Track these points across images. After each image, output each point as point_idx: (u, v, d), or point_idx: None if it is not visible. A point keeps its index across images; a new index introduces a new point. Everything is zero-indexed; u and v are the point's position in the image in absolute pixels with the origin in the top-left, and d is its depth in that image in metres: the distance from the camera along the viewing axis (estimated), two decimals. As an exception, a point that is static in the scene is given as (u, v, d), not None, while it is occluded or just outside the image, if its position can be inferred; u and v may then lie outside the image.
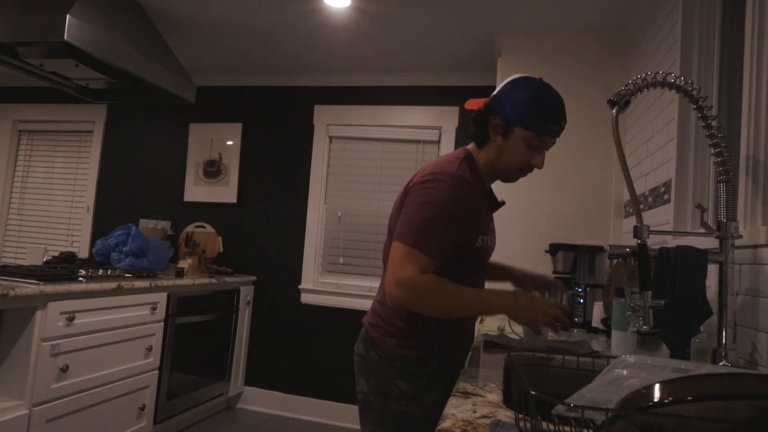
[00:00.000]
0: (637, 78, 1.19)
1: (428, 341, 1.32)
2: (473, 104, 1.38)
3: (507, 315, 1.23)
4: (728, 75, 1.72)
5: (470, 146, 1.39)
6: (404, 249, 1.19)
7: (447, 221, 1.21)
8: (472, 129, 1.37)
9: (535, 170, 1.37)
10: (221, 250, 3.85)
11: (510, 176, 1.36)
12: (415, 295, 1.17)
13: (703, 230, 1.25)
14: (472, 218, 1.28)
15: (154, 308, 2.74)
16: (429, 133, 3.61)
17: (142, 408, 2.68)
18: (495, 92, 1.34)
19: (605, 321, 1.91)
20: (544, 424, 0.69)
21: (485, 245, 1.34)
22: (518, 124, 1.27)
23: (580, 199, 2.70)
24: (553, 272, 2.36)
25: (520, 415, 0.73)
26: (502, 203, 1.44)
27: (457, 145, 3.46)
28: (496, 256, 2.74)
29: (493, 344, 1.47)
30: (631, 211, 2.48)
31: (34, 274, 2.22)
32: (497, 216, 2.79)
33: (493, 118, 1.30)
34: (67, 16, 2.16)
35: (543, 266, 2.70)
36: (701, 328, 1.24)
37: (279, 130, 3.90)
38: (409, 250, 1.19)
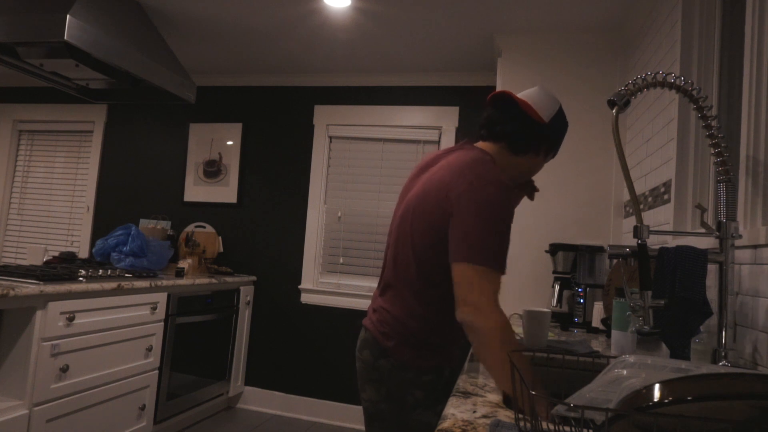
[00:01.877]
0: (637, 78, 1.19)
1: (442, 350, 1.30)
2: (530, 108, 1.29)
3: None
4: (728, 75, 1.72)
5: (490, 147, 1.33)
6: (485, 271, 1.11)
7: (507, 234, 1.17)
8: (518, 133, 1.30)
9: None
10: (221, 250, 3.85)
11: (518, 184, 1.42)
12: (502, 326, 1.09)
13: (703, 230, 1.25)
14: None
15: (154, 308, 2.74)
16: (429, 133, 3.61)
17: (142, 408, 2.68)
18: (551, 111, 1.30)
19: (605, 321, 1.91)
20: (545, 424, 0.69)
21: None
22: (554, 148, 1.36)
23: (580, 199, 2.70)
24: (553, 272, 2.36)
25: (520, 415, 0.73)
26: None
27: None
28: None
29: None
30: (631, 211, 2.48)
31: (34, 274, 2.21)
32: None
33: (549, 138, 1.33)
34: (67, 16, 2.16)
35: (543, 266, 2.70)
36: (701, 328, 1.24)
37: (279, 130, 3.90)
38: (490, 272, 1.12)
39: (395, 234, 1.34)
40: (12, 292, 1.93)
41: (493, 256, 1.12)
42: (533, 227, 2.73)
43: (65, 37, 2.15)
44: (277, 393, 3.66)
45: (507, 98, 1.31)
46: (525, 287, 2.71)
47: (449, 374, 1.31)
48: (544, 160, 1.37)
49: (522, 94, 1.33)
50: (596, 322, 2.00)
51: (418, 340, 1.27)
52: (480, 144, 1.35)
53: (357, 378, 1.38)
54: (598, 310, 2.01)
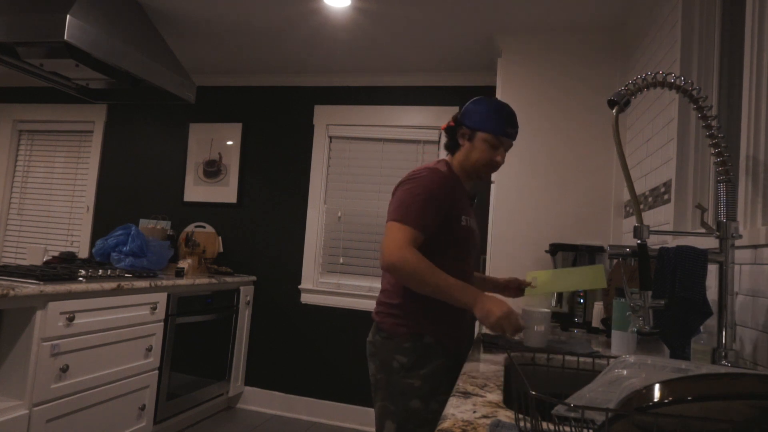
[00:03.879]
0: (637, 78, 1.19)
1: (421, 318, 1.51)
2: (445, 126, 1.68)
3: (474, 313, 1.41)
4: (728, 75, 1.72)
5: (447, 157, 1.70)
6: (394, 224, 1.45)
7: (428, 199, 1.47)
8: (445, 141, 1.69)
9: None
10: (221, 250, 3.85)
11: (480, 173, 1.64)
12: (404, 257, 1.39)
13: (703, 230, 1.25)
14: (452, 200, 1.54)
15: (154, 308, 2.74)
16: (429, 133, 3.61)
17: (142, 408, 2.68)
18: (461, 111, 1.65)
19: (605, 321, 1.91)
20: (544, 424, 0.69)
21: (469, 225, 1.60)
22: (479, 129, 1.60)
23: (580, 199, 2.70)
24: (553, 272, 2.36)
25: (520, 415, 0.73)
26: (475, 196, 1.72)
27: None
28: (499, 257, 2.75)
29: (493, 344, 1.47)
30: (631, 211, 2.48)
31: (34, 274, 2.21)
32: (498, 216, 2.79)
33: (460, 128, 1.63)
34: (67, 16, 2.16)
35: (543, 266, 2.70)
36: (701, 328, 1.24)
37: (279, 130, 3.90)
38: (398, 225, 1.44)
39: None
40: (12, 292, 1.93)
41: (405, 214, 1.45)
42: (533, 227, 2.73)
43: (65, 37, 2.15)
44: (277, 393, 3.66)
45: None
46: (525, 287, 2.70)
47: (430, 340, 1.51)
48: (479, 142, 1.59)
49: None
50: (596, 322, 2.00)
51: (397, 311, 1.53)
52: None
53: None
54: (598, 310, 2.01)
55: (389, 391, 1.49)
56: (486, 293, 1.45)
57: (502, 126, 1.59)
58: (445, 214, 1.51)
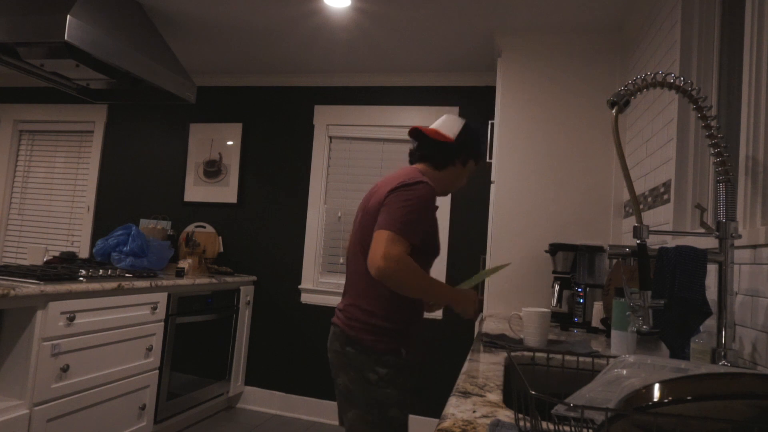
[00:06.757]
0: (636, 78, 1.19)
1: (397, 334, 1.57)
2: (435, 134, 1.67)
3: (450, 304, 1.57)
4: (728, 75, 1.72)
5: (420, 167, 1.70)
6: (392, 234, 1.45)
7: (423, 215, 1.51)
8: (433, 154, 1.68)
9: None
10: (221, 250, 3.85)
11: (450, 192, 1.77)
12: (400, 268, 1.42)
13: (702, 230, 1.25)
14: (435, 220, 1.61)
15: (155, 308, 2.74)
16: (429, 133, 3.61)
17: (143, 408, 2.68)
18: (456, 130, 1.69)
19: (605, 321, 1.91)
20: (544, 424, 0.69)
21: (438, 239, 1.71)
22: (473, 157, 1.74)
23: (580, 199, 2.70)
24: (553, 272, 2.36)
25: (520, 415, 0.73)
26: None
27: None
28: (499, 257, 2.75)
29: (493, 344, 1.47)
30: (631, 211, 2.48)
31: (35, 274, 2.22)
32: (498, 216, 2.79)
33: (461, 152, 1.70)
34: (68, 16, 2.16)
35: (543, 266, 2.70)
36: (701, 328, 1.24)
37: (279, 130, 3.90)
38: (396, 235, 1.45)
39: (350, 243, 1.67)
40: (12, 292, 1.93)
41: (403, 226, 1.45)
42: (533, 227, 2.73)
43: (65, 38, 2.15)
44: (277, 393, 3.66)
45: (419, 132, 1.70)
46: (525, 287, 2.71)
47: (406, 355, 1.58)
48: (467, 169, 1.73)
49: (433, 125, 1.73)
50: (596, 322, 2.00)
51: (377, 328, 1.55)
52: (415, 165, 1.72)
53: (330, 368, 1.65)
54: (598, 310, 2.01)
55: (366, 401, 1.53)
56: (455, 288, 1.59)
57: (484, 153, 1.82)
58: (426, 230, 1.58)
